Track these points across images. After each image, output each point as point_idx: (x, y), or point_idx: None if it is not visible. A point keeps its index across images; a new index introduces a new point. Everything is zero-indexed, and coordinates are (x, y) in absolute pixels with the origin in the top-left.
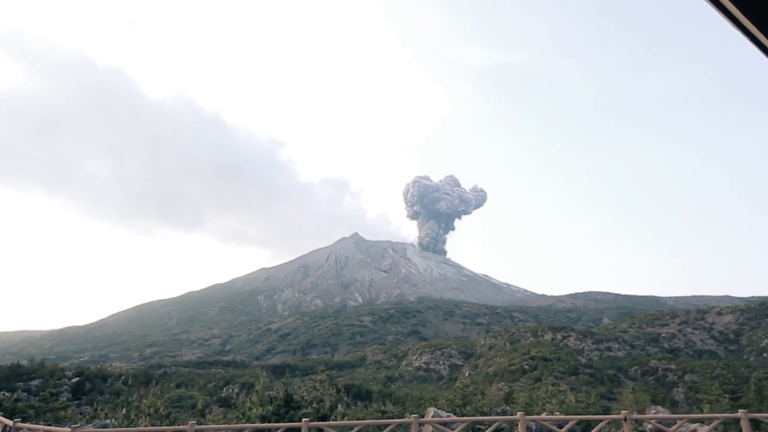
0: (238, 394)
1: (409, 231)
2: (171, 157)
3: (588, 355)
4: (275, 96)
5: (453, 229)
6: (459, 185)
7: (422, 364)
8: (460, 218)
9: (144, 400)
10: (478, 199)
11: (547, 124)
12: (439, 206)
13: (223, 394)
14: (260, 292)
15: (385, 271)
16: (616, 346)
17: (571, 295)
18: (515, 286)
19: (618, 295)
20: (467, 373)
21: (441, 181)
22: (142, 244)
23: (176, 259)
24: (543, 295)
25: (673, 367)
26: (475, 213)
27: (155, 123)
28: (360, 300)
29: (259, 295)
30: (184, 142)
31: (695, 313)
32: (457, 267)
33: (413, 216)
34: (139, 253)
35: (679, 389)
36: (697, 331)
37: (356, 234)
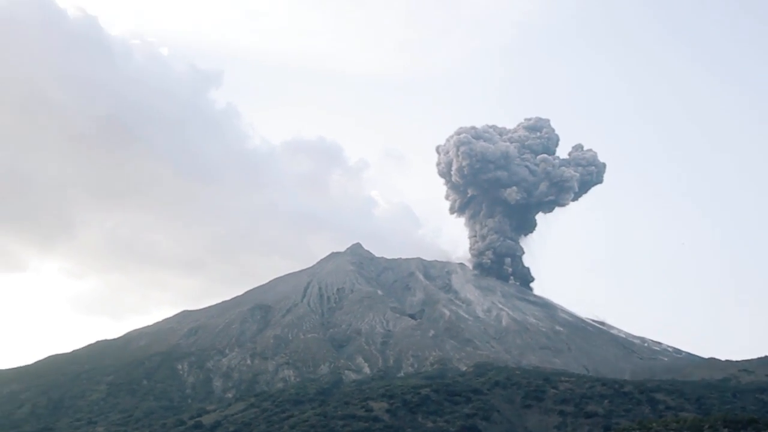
0: None
1: (454, 236)
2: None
3: None
4: None
5: (532, 230)
6: (551, 145)
7: None
8: (549, 211)
9: None
10: (588, 174)
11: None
12: (508, 193)
13: None
14: (181, 356)
15: (412, 316)
16: None
17: (765, 359)
18: (658, 344)
19: None
20: None
21: (512, 135)
22: None
23: (21, 300)
24: (712, 360)
25: None
26: (583, 201)
27: None
28: (367, 370)
29: (179, 362)
30: (26, 72)
31: None
32: (548, 307)
33: (459, 207)
34: None
35: None
36: None
37: (357, 245)
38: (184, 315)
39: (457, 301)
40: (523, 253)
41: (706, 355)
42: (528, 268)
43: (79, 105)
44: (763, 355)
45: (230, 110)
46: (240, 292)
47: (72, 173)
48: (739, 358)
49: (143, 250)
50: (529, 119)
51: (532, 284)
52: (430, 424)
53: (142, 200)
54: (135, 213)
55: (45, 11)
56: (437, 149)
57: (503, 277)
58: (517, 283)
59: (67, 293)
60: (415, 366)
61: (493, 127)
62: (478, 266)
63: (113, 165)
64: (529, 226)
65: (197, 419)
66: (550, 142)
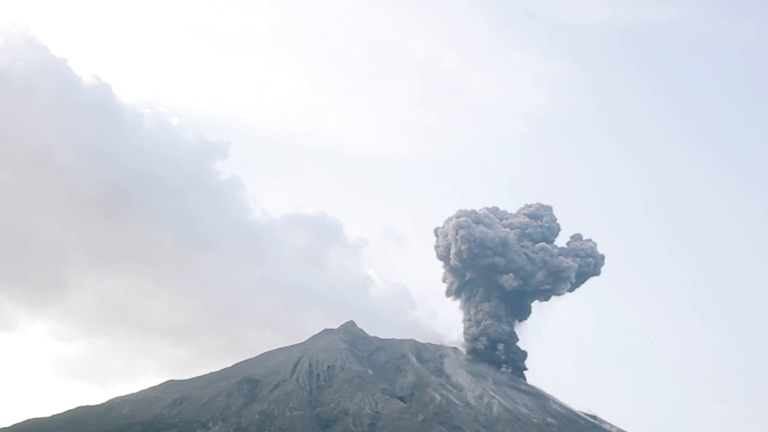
0: None
1: (449, 319)
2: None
3: None
4: (211, 61)
5: (527, 317)
6: (551, 234)
7: None
8: (545, 299)
9: None
10: (587, 266)
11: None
12: (504, 279)
13: None
14: (164, 426)
15: (402, 398)
16: None
17: None
18: None
19: None
20: None
21: (513, 221)
22: None
23: (6, 360)
24: None
25: None
26: (579, 293)
27: None
28: None
29: None
30: (36, 135)
31: None
32: (541, 397)
33: (456, 290)
34: None
35: None
36: None
37: (351, 323)
38: (170, 384)
39: (449, 386)
40: (518, 339)
41: None
42: (524, 353)
43: (85, 170)
44: None
45: (234, 181)
46: (229, 364)
47: (71, 236)
48: None
49: (134, 316)
50: (530, 206)
51: (525, 372)
52: None
53: (138, 266)
54: (130, 278)
55: (60, 77)
56: (435, 231)
57: (496, 363)
58: (510, 370)
59: (52, 356)
60: None
61: (494, 210)
62: (472, 351)
63: (112, 229)
64: (524, 313)
65: None
66: (550, 231)
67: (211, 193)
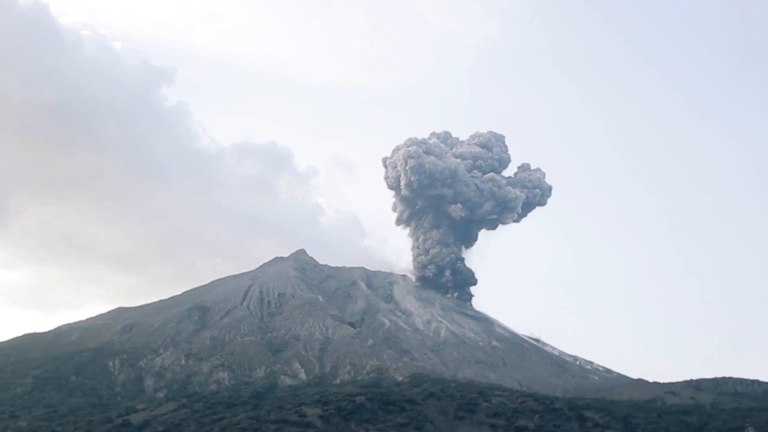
0: None
1: (398, 247)
2: None
3: None
4: None
5: (472, 245)
6: (500, 165)
7: None
8: (491, 228)
9: None
10: (533, 197)
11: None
12: (452, 209)
13: None
14: (113, 352)
15: (352, 324)
16: None
17: (691, 382)
18: (590, 363)
19: None
20: None
21: (463, 151)
22: None
23: None
24: (640, 381)
25: None
26: (525, 222)
27: None
28: (303, 376)
29: (111, 359)
30: None
31: None
32: (486, 322)
33: (406, 218)
34: None
35: None
36: None
37: (301, 251)
38: (119, 312)
39: (398, 312)
40: (465, 266)
41: (635, 375)
42: (471, 272)
43: (24, 93)
44: (688, 378)
45: (181, 108)
46: (178, 292)
47: (11, 161)
48: (666, 380)
49: (79, 244)
50: (482, 134)
51: (471, 298)
52: None
53: (82, 193)
54: (74, 205)
55: None
56: (384, 161)
57: (444, 289)
58: (456, 295)
59: (21, 286)
60: (352, 374)
61: (446, 137)
62: (421, 279)
63: (55, 156)
64: (471, 240)
65: (125, 417)
66: (499, 162)
67: (158, 119)
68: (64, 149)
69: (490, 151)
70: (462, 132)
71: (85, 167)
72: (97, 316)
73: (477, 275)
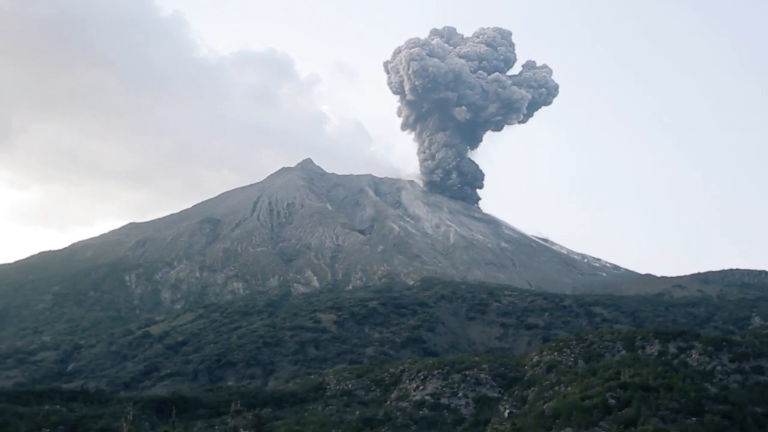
0: None
1: (405, 153)
2: None
3: (723, 381)
4: None
5: (477, 147)
6: (506, 65)
7: (427, 397)
8: (497, 129)
9: None
10: (539, 96)
11: None
12: (457, 112)
13: None
14: (129, 267)
15: (361, 231)
16: None
17: (698, 275)
18: (598, 260)
19: None
20: (507, 412)
21: (468, 51)
22: None
23: None
24: (647, 276)
25: None
26: (532, 122)
27: None
28: (315, 284)
29: (127, 274)
30: None
31: None
32: (494, 223)
33: (411, 123)
34: None
35: None
36: None
37: (308, 161)
38: (131, 227)
39: (406, 217)
40: (471, 162)
41: (643, 271)
42: (478, 169)
43: (17, 5)
44: (695, 271)
45: (177, 18)
46: (188, 206)
47: (10, 79)
48: (673, 275)
49: (86, 161)
50: (486, 30)
51: (478, 201)
52: (376, 335)
53: (84, 109)
54: (77, 122)
55: None
56: (386, 66)
57: (451, 193)
58: (466, 201)
59: (7, 203)
60: (364, 280)
61: (450, 33)
62: (429, 184)
63: (52, 72)
64: (476, 142)
65: (145, 329)
66: (505, 62)
67: (155, 30)
68: (62, 64)
69: (496, 51)
70: (466, 28)
71: (85, 82)
72: (110, 232)
73: (483, 178)
